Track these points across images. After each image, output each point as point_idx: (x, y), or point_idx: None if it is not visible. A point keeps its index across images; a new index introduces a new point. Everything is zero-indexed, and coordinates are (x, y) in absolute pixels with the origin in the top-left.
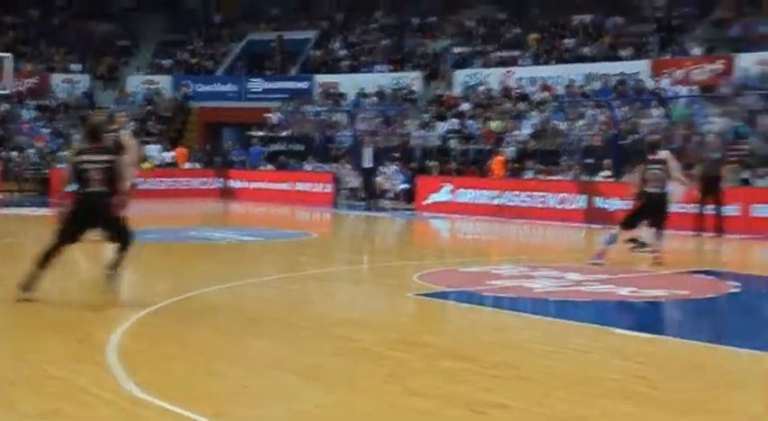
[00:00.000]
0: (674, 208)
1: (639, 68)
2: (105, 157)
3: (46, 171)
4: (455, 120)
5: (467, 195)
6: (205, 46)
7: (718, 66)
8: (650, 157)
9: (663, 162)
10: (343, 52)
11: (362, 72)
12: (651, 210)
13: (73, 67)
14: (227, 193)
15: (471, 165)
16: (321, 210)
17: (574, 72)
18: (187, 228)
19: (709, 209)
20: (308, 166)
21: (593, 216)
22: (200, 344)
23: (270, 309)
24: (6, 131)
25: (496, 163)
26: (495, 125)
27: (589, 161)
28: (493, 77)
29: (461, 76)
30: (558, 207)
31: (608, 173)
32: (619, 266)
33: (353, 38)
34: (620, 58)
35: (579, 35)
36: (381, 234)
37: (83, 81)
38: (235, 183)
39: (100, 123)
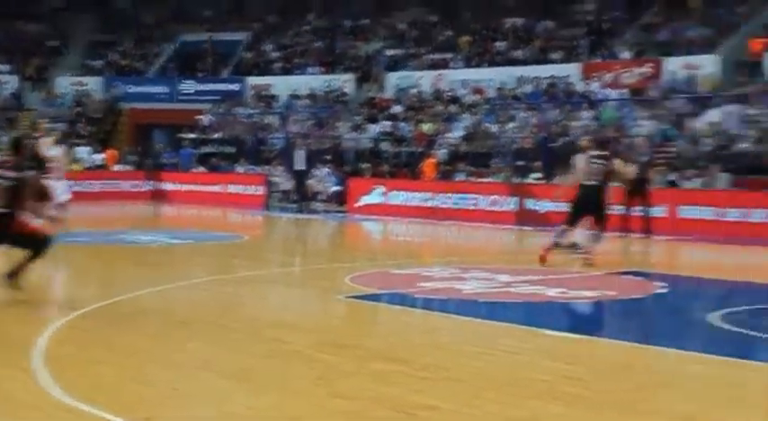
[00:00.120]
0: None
1: (570, 72)
2: (13, 175)
3: None
4: (387, 123)
5: (399, 197)
6: (136, 47)
7: (647, 69)
8: (595, 152)
9: (606, 157)
10: (275, 54)
11: (295, 74)
12: (587, 203)
13: (1, 67)
14: (158, 196)
15: (403, 167)
16: (253, 213)
17: (505, 75)
18: (117, 231)
19: (637, 210)
20: (239, 169)
21: (525, 218)
22: (129, 347)
23: (200, 311)
24: None
25: (428, 165)
26: (426, 127)
27: (520, 163)
28: (425, 80)
29: (393, 79)
30: (490, 209)
31: (539, 175)
32: (550, 268)
33: (286, 40)
34: (551, 62)
35: (510, 38)
36: (313, 236)
37: (11, 82)
38: (166, 186)
39: (21, 137)
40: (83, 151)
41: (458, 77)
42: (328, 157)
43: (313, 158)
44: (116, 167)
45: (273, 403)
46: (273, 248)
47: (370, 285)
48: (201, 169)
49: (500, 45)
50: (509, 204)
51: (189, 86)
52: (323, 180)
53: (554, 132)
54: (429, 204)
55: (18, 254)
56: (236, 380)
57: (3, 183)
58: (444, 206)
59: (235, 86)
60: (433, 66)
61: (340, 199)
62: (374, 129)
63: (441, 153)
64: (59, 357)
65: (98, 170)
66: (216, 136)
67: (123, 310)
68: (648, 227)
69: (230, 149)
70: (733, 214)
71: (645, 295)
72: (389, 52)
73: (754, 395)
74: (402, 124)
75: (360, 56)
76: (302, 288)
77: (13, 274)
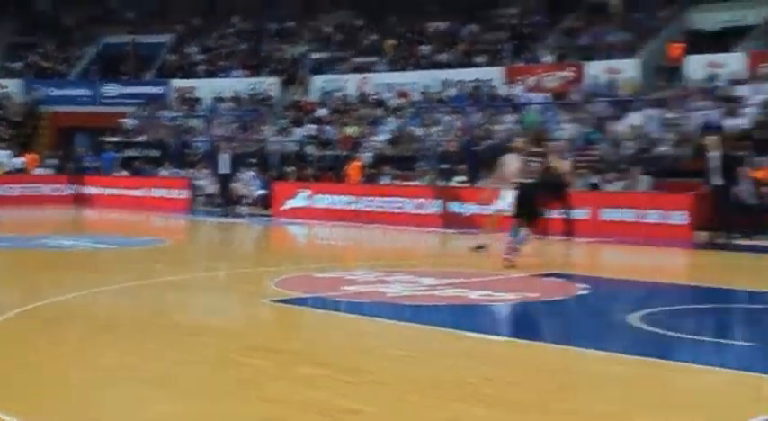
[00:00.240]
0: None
1: (493, 75)
2: None
3: None
4: (312, 126)
5: (324, 201)
6: (57, 49)
7: (569, 73)
8: (531, 150)
9: (543, 155)
10: (199, 57)
11: (219, 77)
12: (524, 199)
13: None
14: (80, 200)
15: (328, 170)
16: (177, 217)
17: (430, 78)
18: (39, 235)
19: (558, 213)
20: (163, 172)
21: (450, 221)
22: (49, 353)
23: (124, 316)
24: None
25: (353, 168)
26: (351, 131)
27: (445, 166)
28: (350, 83)
29: (319, 82)
30: (415, 212)
31: (463, 178)
32: (473, 270)
33: (210, 42)
34: (474, 65)
35: (435, 42)
36: (238, 240)
37: None
38: (89, 190)
39: None
40: (3, 155)
41: (383, 81)
42: (253, 161)
43: (237, 162)
44: (37, 171)
45: (196, 408)
46: (198, 253)
47: (295, 289)
48: (125, 173)
49: (425, 49)
50: (434, 207)
51: (112, 89)
52: (248, 183)
53: (478, 136)
54: (354, 208)
55: None
56: (158, 386)
57: None
58: (369, 209)
59: (158, 89)
60: (359, 69)
61: (265, 202)
62: (299, 132)
63: (366, 156)
64: None
65: (18, 174)
66: (139, 139)
67: (45, 316)
68: (570, 229)
69: (154, 153)
70: (653, 216)
71: (567, 297)
72: (315, 55)
73: (673, 395)
74: (327, 127)
75: (285, 59)
76: (227, 292)
77: None
